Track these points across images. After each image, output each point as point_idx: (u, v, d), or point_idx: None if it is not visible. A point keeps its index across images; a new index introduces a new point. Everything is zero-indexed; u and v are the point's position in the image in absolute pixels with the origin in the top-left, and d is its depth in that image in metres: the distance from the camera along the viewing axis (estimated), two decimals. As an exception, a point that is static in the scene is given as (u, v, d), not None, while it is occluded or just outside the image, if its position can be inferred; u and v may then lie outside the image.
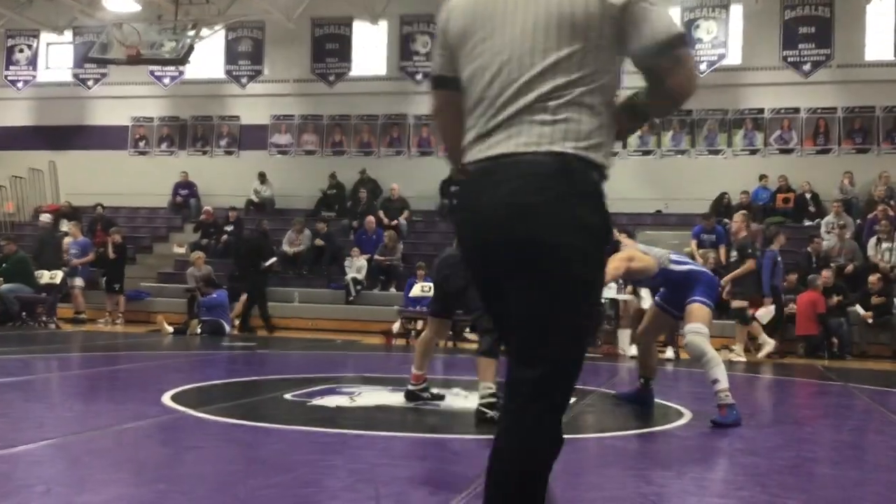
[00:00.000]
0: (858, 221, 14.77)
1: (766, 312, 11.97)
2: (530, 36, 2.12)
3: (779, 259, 12.46)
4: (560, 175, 2.06)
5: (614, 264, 5.74)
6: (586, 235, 2.07)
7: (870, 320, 12.21)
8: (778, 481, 4.05)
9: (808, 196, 15.95)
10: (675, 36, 2.11)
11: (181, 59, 16.88)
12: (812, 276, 12.77)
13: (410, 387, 6.05)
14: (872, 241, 13.46)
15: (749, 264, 11.46)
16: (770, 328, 11.97)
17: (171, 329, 13.22)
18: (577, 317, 2.11)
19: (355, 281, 15.10)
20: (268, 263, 14.45)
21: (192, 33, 16.70)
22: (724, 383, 5.53)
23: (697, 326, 5.72)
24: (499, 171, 2.10)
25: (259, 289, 14.03)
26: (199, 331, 13.03)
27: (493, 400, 5.25)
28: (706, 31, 16.58)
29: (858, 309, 12.32)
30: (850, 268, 13.18)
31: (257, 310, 13.94)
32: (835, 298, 12.36)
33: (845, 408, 7.22)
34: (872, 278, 12.40)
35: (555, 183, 2.05)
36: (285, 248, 16.25)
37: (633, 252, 5.99)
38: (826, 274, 12.62)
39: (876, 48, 16.49)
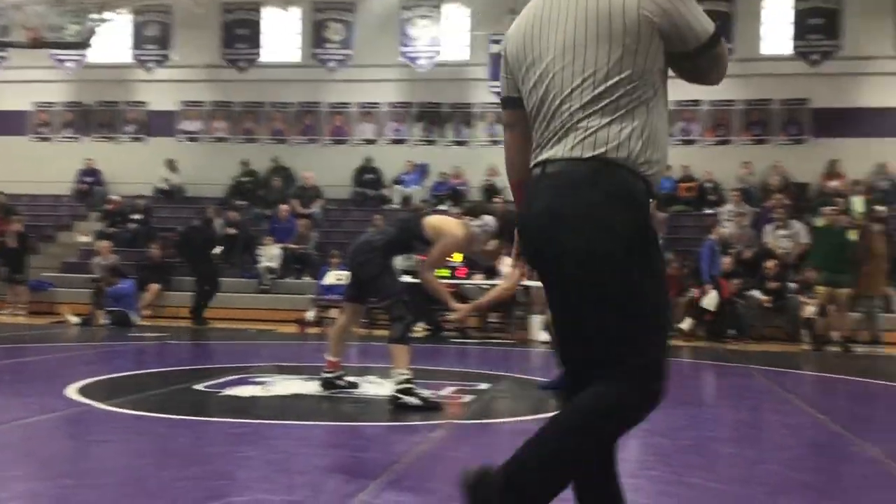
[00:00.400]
0: (756, 209, 15.36)
1: (710, 299, 12.39)
2: (571, 50, 2.27)
3: (716, 248, 12.90)
4: (591, 180, 2.20)
5: (519, 264, 5.85)
6: (617, 237, 2.19)
7: (768, 304, 12.71)
8: (683, 461, 4.22)
9: (709, 185, 16.52)
10: (712, 37, 2.28)
11: (84, 43, 16.34)
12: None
13: (325, 374, 6.05)
14: (769, 228, 14.02)
15: None
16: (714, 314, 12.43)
17: (76, 320, 12.85)
18: (621, 316, 2.21)
19: (268, 270, 14.95)
20: (215, 252, 14.08)
21: (96, 17, 16.18)
22: None
23: None
24: (543, 178, 2.29)
25: (212, 279, 13.66)
26: (105, 322, 12.71)
27: (408, 386, 5.30)
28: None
29: (756, 293, 12.81)
30: (748, 254, 13.69)
31: (196, 298, 13.49)
32: (734, 283, 12.83)
33: (745, 388, 7.53)
34: (769, 264, 12.90)
35: (587, 188, 2.20)
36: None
37: None
38: (726, 260, 13.09)
39: (773, 42, 17.13)
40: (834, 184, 15.99)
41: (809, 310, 11.99)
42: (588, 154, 2.21)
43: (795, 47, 16.58)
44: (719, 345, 11.89)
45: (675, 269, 13.20)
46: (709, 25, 2.27)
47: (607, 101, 2.23)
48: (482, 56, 17.56)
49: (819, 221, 12.73)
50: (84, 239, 17.02)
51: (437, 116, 18.37)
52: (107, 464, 3.91)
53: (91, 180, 18.58)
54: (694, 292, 12.54)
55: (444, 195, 16.99)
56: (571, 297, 2.28)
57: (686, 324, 12.37)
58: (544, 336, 11.43)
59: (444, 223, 5.69)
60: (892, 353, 11.30)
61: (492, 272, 12.15)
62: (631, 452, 4.42)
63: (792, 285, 12.80)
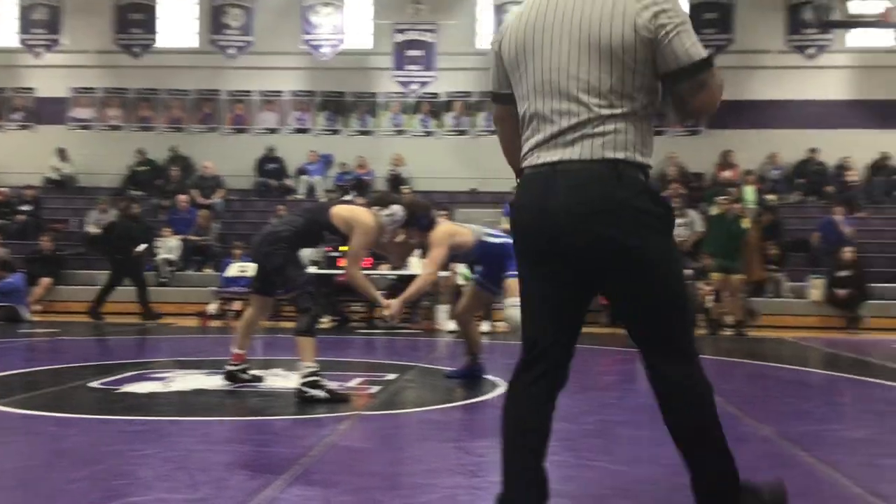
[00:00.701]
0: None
1: None
2: (575, 59, 2.42)
3: None
4: (613, 179, 2.38)
5: (437, 251, 5.86)
6: (647, 226, 2.41)
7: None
8: (586, 445, 4.29)
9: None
10: (700, 61, 2.42)
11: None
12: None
13: (230, 367, 5.92)
14: (667, 217, 14.45)
15: None
16: None
17: (-40, 317, 12.25)
18: (666, 295, 2.49)
19: (167, 262, 14.54)
20: (139, 249, 13.43)
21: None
22: None
23: (515, 300, 5.93)
24: (559, 176, 2.42)
25: (137, 275, 13.08)
26: (-8, 318, 12.17)
27: (314, 379, 5.23)
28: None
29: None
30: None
31: (137, 295, 12.93)
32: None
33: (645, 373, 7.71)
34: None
35: (611, 187, 2.38)
36: (88, 228, 15.40)
37: (450, 227, 6.13)
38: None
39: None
40: (727, 174, 16.58)
41: (706, 297, 12.40)
42: (602, 156, 2.40)
43: (691, 41, 17.11)
44: (618, 330, 12.15)
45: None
46: (698, 52, 2.42)
47: (614, 109, 2.41)
48: (386, 45, 17.48)
49: (713, 210, 13.16)
50: (-31, 231, 16.21)
51: (341, 105, 18.20)
52: (-5, 467, 3.73)
53: (-25, 170, 17.71)
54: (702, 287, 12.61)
55: (348, 185, 16.86)
56: (623, 289, 2.51)
57: None
58: (451, 325, 11.48)
59: (354, 213, 5.63)
60: (784, 337, 11.79)
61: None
62: (537, 438, 4.47)
63: (688, 272, 13.19)
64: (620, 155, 2.40)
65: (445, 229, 6.00)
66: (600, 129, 2.40)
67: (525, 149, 2.55)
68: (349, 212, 5.63)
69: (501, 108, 2.72)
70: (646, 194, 2.42)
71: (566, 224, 2.41)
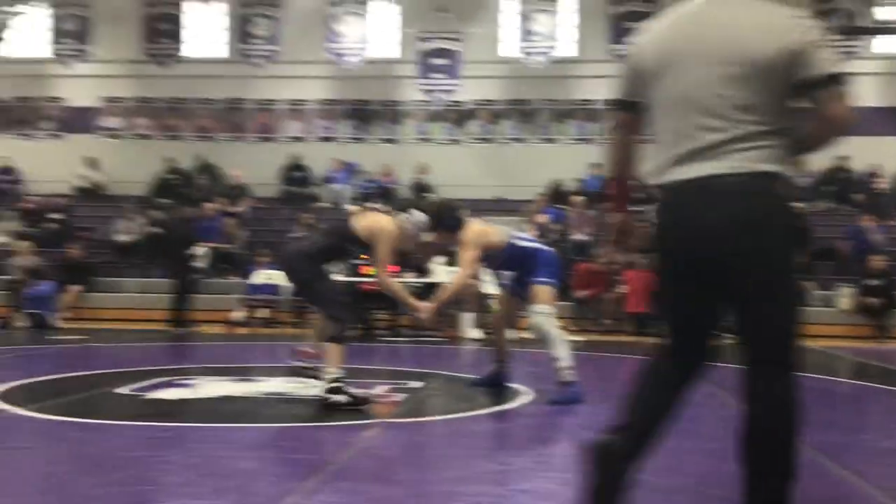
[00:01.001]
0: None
1: None
2: (722, 75, 2.49)
3: None
4: (762, 193, 2.47)
5: (468, 252, 5.85)
6: (790, 238, 2.55)
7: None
8: (611, 454, 4.25)
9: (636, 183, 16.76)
10: (837, 74, 2.51)
11: (-2, 37, 15.78)
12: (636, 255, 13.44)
13: (299, 363, 5.95)
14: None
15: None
16: None
17: (-9, 324, 12.41)
18: (790, 304, 2.58)
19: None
20: (192, 253, 13.61)
21: (9, 9, 15.63)
22: (565, 361, 5.73)
23: (540, 307, 5.91)
24: (710, 190, 2.49)
25: (188, 281, 13.20)
26: (23, 324, 12.31)
27: (336, 385, 5.24)
28: (540, 23, 17.06)
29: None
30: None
31: (179, 303, 13.00)
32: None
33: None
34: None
35: (760, 200, 2.47)
36: (117, 236, 15.57)
37: (480, 227, 6.08)
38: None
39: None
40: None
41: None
42: (752, 170, 2.47)
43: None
44: (645, 338, 12.07)
45: (602, 266, 13.40)
46: (836, 67, 2.52)
47: (758, 125, 2.48)
48: (411, 53, 17.54)
49: None
50: (1, 239, 16.44)
51: (366, 114, 18.28)
52: (26, 471, 3.77)
53: (7, 179, 17.95)
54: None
55: (373, 193, 16.91)
56: (759, 299, 2.54)
57: None
58: (475, 333, 11.46)
59: (375, 220, 5.65)
60: (812, 346, 11.65)
61: (421, 270, 12.14)
62: (561, 448, 4.46)
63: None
64: (767, 168, 2.48)
65: (476, 229, 5.97)
66: (747, 144, 2.48)
67: (655, 162, 2.63)
68: (370, 220, 5.66)
69: (626, 115, 2.76)
70: (788, 208, 2.56)
71: (718, 236, 2.49)
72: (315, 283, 5.46)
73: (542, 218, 13.50)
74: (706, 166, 2.50)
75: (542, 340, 5.93)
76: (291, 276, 5.63)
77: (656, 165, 2.63)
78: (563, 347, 5.77)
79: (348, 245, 5.63)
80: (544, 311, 5.88)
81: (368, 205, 14.89)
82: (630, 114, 2.73)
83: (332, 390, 5.22)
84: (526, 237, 6.37)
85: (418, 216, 5.63)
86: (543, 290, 5.95)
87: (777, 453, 2.62)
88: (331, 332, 5.36)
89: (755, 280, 2.52)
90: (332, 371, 5.27)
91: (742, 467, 2.68)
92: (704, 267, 2.57)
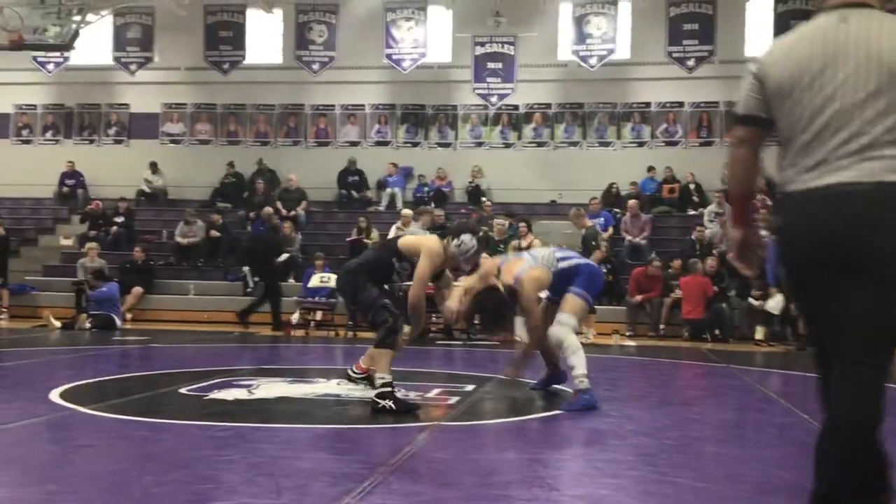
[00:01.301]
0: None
1: (775, 302, 12.28)
2: (854, 82, 2.56)
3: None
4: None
5: (533, 302, 5.95)
6: None
7: (760, 307, 12.65)
8: (667, 460, 4.23)
9: (692, 186, 16.59)
10: None
11: (66, 45, 16.22)
12: (693, 261, 13.25)
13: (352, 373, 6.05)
14: (753, 229, 14.07)
15: (597, 254, 12.00)
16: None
17: (58, 324, 12.75)
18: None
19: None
20: (280, 260, 14.00)
21: (77, 18, 16.06)
22: (579, 369, 5.73)
23: (565, 317, 5.93)
24: (850, 197, 2.54)
25: (275, 286, 13.53)
26: (88, 325, 12.63)
27: (387, 390, 5.31)
28: (596, 26, 16.96)
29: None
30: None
31: (273, 306, 13.31)
32: (719, 286, 12.86)
33: (729, 388, 7.57)
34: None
35: (893, 206, 2.51)
36: (178, 239, 15.91)
37: (535, 272, 6.06)
38: (711, 262, 13.14)
39: (755, 44, 17.22)
40: (815, 184, 16.08)
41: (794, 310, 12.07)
42: (885, 178, 2.52)
43: (776, 49, 16.66)
44: (700, 344, 11.92)
45: (658, 270, 13.26)
46: None
47: (892, 134, 2.54)
48: (466, 58, 17.58)
49: None
50: (66, 242, 16.92)
51: (421, 118, 18.38)
52: (90, 469, 3.88)
53: (73, 183, 18.49)
54: (753, 296, 12.43)
55: (428, 197, 17.01)
56: (873, 302, 2.56)
57: (760, 333, 12.23)
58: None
59: (420, 239, 5.89)
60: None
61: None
62: (615, 452, 4.44)
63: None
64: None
65: (533, 278, 6.02)
66: (883, 152, 2.53)
67: (794, 170, 2.69)
68: (414, 239, 5.93)
69: (749, 130, 2.82)
70: None
71: (849, 240, 2.54)
72: (357, 294, 5.61)
73: (588, 223, 13.40)
74: (842, 174, 2.56)
75: (557, 348, 5.94)
76: (341, 293, 5.95)
77: (789, 174, 2.71)
78: (577, 357, 5.77)
79: (395, 260, 5.73)
80: (566, 322, 5.90)
81: (423, 208, 14.99)
82: (755, 129, 2.80)
83: (380, 395, 5.30)
84: (568, 255, 6.39)
85: (468, 244, 5.66)
86: (573, 301, 5.99)
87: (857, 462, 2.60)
88: (378, 337, 5.47)
89: (874, 283, 2.55)
90: (382, 375, 5.35)
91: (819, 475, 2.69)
92: (835, 271, 2.60)
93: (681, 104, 17.51)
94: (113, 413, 5.20)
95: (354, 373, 6.03)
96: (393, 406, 5.29)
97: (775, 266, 12.25)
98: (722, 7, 16.94)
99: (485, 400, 6.24)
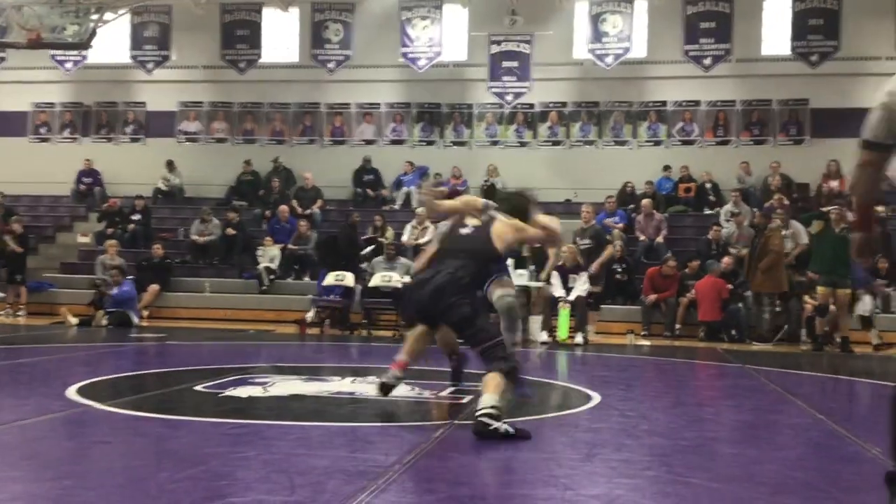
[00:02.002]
0: (755, 210, 15.35)
1: (864, 305, 12.16)
2: None
3: None
4: None
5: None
6: None
7: (777, 307, 12.60)
8: (682, 461, 4.22)
9: (708, 186, 16.50)
10: None
11: (84, 44, 16.32)
12: (710, 262, 13.20)
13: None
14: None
15: (609, 250, 11.97)
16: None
17: (75, 321, 12.84)
18: None
19: (268, 270, 14.93)
20: (366, 252, 14.12)
21: (95, 17, 16.16)
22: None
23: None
24: None
25: (361, 279, 13.40)
26: (105, 322, 12.71)
27: (493, 412, 4.67)
28: (612, 24, 16.90)
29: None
30: (746, 254, 13.66)
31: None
32: (732, 285, 12.78)
33: (745, 389, 7.53)
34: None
35: None
36: (194, 237, 15.98)
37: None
38: (727, 261, 13.08)
39: (772, 43, 17.12)
40: (833, 184, 15.98)
41: (809, 310, 12.02)
42: None
43: (794, 48, 16.54)
44: (716, 345, 11.86)
45: (673, 270, 13.20)
46: None
47: None
48: (481, 56, 17.56)
49: (814, 228, 12.57)
50: (84, 240, 17.02)
51: (437, 117, 18.38)
52: (106, 465, 3.91)
53: (90, 181, 18.60)
54: (807, 300, 12.24)
55: (443, 196, 16.99)
56: None
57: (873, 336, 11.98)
58: (544, 337, 11.43)
59: (508, 223, 5.47)
60: (891, 355, 11.31)
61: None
62: (630, 452, 4.43)
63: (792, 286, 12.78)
64: None
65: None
66: None
67: None
68: (506, 225, 5.45)
69: (877, 155, 3.10)
70: None
71: None
72: (479, 319, 5.08)
73: (592, 219, 13.38)
74: None
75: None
76: (448, 310, 5.10)
77: None
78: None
79: (491, 265, 5.56)
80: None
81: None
82: (882, 154, 3.08)
83: (488, 416, 4.64)
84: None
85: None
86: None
87: None
88: (501, 366, 4.90)
89: None
90: (493, 398, 4.75)
91: None
92: None
93: (697, 103, 17.43)
94: (129, 410, 5.23)
95: (395, 377, 5.56)
96: (504, 430, 4.61)
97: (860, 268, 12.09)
98: (739, 5, 16.83)
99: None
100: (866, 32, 16.48)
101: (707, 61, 16.73)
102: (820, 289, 11.56)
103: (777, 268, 12.15)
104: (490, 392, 4.76)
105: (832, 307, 11.59)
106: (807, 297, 12.21)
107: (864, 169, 3.16)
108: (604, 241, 13.04)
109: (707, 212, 16.08)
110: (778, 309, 12.40)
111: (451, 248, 5.39)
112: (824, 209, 12.87)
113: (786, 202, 14.56)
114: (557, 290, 11.73)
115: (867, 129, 3.11)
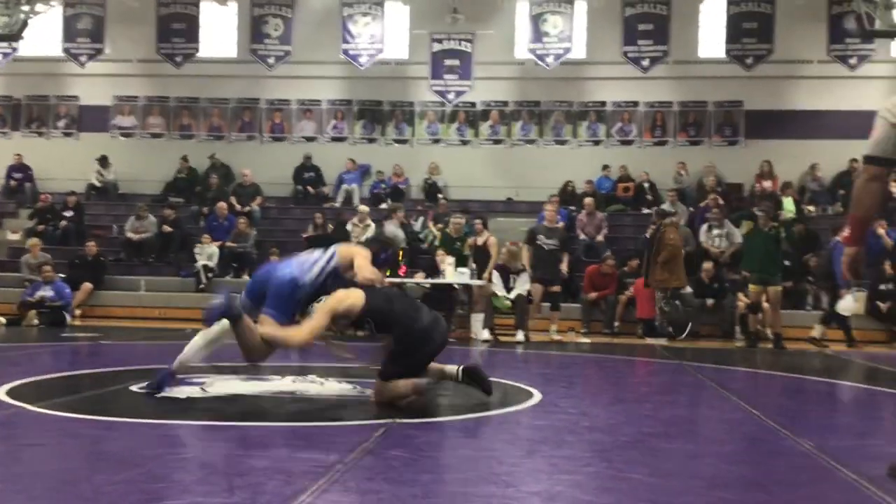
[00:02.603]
0: (691, 209, 15.65)
1: (846, 303, 12.24)
2: None
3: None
4: None
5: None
6: None
7: (709, 302, 12.86)
8: (622, 456, 4.26)
9: (646, 185, 16.79)
10: None
11: (15, 35, 15.90)
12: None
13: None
14: (704, 227, 14.27)
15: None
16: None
17: (3, 320, 12.47)
18: None
19: (206, 268, 14.71)
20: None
21: (26, 8, 15.74)
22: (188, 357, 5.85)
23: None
24: None
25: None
26: (36, 322, 12.37)
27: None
28: (553, 25, 17.04)
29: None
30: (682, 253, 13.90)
31: None
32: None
33: (681, 385, 7.66)
34: (707, 265, 13.13)
35: None
36: (129, 234, 15.66)
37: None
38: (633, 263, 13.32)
39: (708, 46, 17.48)
40: (766, 184, 16.38)
41: (742, 308, 12.30)
42: None
43: (729, 51, 16.89)
44: (653, 342, 12.06)
45: (612, 268, 13.39)
46: None
47: None
48: (423, 54, 17.56)
49: (744, 228, 12.87)
50: (14, 237, 16.56)
51: (378, 114, 18.32)
52: (38, 467, 3.80)
53: (21, 176, 18.09)
54: (741, 298, 12.41)
55: (384, 194, 16.98)
56: None
57: (817, 331, 12.21)
58: (485, 335, 11.47)
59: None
60: (824, 350, 11.63)
61: (434, 271, 12.18)
62: (571, 449, 4.46)
63: (726, 284, 13.06)
64: None
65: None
66: None
67: None
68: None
69: (881, 170, 3.29)
70: None
71: None
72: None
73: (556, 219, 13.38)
74: None
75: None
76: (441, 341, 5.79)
77: None
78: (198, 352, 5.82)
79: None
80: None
81: (383, 206, 14.93)
82: (885, 169, 3.25)
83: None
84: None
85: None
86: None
87: None
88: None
89: None
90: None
91: None
92: None
93: (636, 104, 17.70)
94: (62, 411, 5.10)
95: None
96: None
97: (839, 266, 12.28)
98: (676, 8, 17.13)
99: (441, 397, 6.23)
100: (799, 36, 16.92)
101: (645, 63, 16.99)
102: (752, 287, 11.84)
103: (675, 261, 12.26)
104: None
105: (764, 304, 11.89)
106: (740, 295, 12.50)
107: (870, 183, 3.31)
108: (570, 242, 13.02)
109: (645, 211, 16.35)
110: (677, 302, 12.58)
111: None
112: (753, 209, 13.19)
113: (721, 202, 14.87)
114: (498, 289, 11.81)
115: (873, 146, 3.28)
